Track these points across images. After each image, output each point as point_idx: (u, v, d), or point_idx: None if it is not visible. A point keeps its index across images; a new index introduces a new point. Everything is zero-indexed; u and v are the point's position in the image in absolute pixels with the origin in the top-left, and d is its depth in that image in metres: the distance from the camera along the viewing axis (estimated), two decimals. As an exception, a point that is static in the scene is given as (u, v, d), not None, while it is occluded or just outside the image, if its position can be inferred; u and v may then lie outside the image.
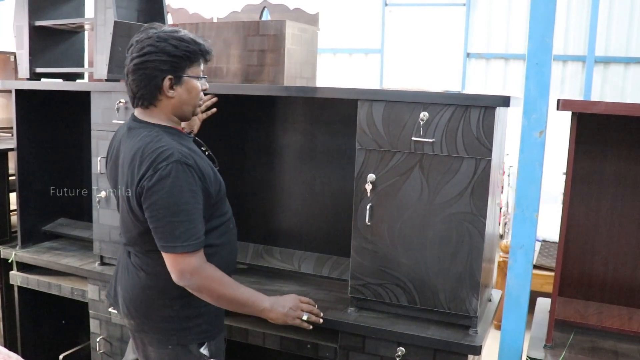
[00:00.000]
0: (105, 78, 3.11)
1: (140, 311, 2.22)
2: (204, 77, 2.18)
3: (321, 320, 2.32)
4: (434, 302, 2.48)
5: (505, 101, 2.29)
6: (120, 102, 2.98)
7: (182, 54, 2.06)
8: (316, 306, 2.34)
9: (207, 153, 2.34)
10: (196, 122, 2.66)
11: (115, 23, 3.02)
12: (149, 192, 1.99)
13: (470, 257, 2.39)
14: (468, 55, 9.01)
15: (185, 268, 2.02)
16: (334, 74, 9.52)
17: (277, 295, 2.25)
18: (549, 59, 2.16)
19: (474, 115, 2.32)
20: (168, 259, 2.04)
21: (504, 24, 8.82)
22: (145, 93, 2.09)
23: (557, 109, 2.22)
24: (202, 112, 2.70)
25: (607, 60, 8.13)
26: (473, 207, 2.36)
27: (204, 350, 2.23)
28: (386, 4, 9.40)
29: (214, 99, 2.77)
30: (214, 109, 2.78)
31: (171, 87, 2.08)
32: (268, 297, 2.19)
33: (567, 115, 2.30)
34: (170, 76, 2.06)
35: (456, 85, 8.94)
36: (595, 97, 8.02)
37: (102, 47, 3.10)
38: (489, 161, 2.32)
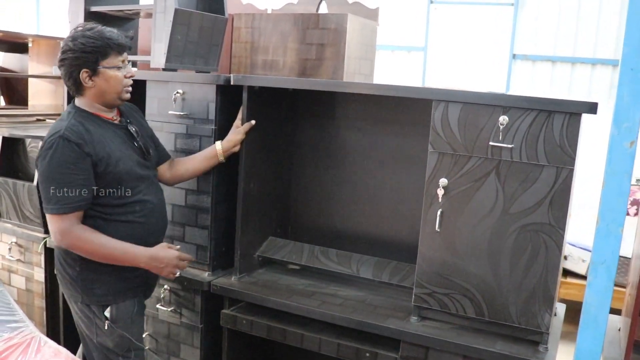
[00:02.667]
0: (163, 67, 3.02)
1: (58, 269, 2.57)
2: (122, 66, 2.42)
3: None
4: (504, 315, 2.36)
5: (592, 108, 2.15)
6: (177, 92, 2.90)
7: (90, 50, 2.34)
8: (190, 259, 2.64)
9: (137, 145, 2.56)
10: (236, 139, 2.81)
11: (176, 11, 2.93)
12: (37, 163, 2.37)
13: (546, 270, 2.27)
14: (514, 56, 8.81)
15: (56, 229, 2.33)
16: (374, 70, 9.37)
17: (161, 251, 2.49)
18: (646, 64, 2.02)
19: (557, 121, 2.19)
20: (47, 221, 2.39)
21: (553, 25, 8.59)
22: (70, 85, 2.44)
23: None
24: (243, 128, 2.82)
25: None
26: (551, 218, 2.24)
27: (106, 313, 2.48)
28: (431, 1, 9.22)
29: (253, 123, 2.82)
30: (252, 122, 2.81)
31: (90, 79, 2.38)
32: (145, 253, 2.44)
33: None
34: (85, 69, 2.36)
35: (500, 87, 8.74)
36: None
37: (160, 35, 3.01)
38: (571, 170, 2.20)
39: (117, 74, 2.41)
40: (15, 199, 3.60)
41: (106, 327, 2.48)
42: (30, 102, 4.67)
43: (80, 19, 3.40)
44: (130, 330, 2.54)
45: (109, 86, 2.41)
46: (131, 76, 2.47)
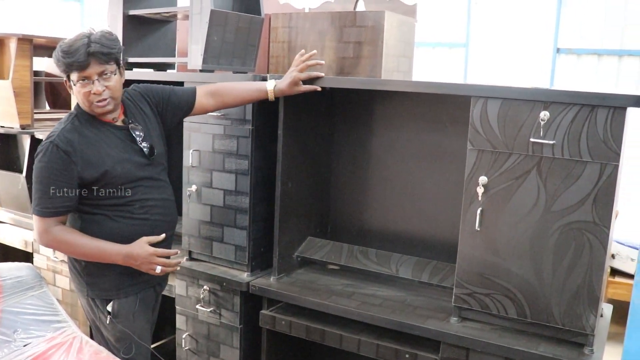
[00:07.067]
0: (200, 69, 3.03)
1: (68, 263, 2.65)
2: (85, 83, 2.38)
3: (178, 268, 2.75)
4: (547, 317, 2.30)
5: (637, 101, 2.08)
6: (214, 93, 2.89)
7: (58, 65, 2.40)
8: (172, 256, 2.59)
9: (142, 145, 2.56)
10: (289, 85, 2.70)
11: (212, 12, 2.93)
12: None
13: (590, 270, 2.20)
14: (558, 50, 8.62)
15: (36, 229, 2.45)
16: (415, 67, 9.27)
17: (136, 252, 2.45)
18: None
19: (601, 115, 2.12)
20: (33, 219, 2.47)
21: (599, 16, 8.36)
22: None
23: None
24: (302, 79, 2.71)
25: None
26: (595, 216, 2.17)
27: (109, 307, 2.54)
28: (472, -4, 9.10)
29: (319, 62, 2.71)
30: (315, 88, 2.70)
31: (70, 87, 2.45)
32: (121, 250, 2.44)
33: None
34: (65, 79, 2.45)
35: (544, 82, 8.56)
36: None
37: (197, 37, 3.02)
38: (616, 167, 2.12)
39: (81, 89, 2.39)
40: (59, 201, 3.65)
41: (108, 322, 2.55)
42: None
43: (119, 22, 3.44)
44: (131, 327, 2.57)
45: (79, 96, 2.43)
46: (95, 93, 2.39)
